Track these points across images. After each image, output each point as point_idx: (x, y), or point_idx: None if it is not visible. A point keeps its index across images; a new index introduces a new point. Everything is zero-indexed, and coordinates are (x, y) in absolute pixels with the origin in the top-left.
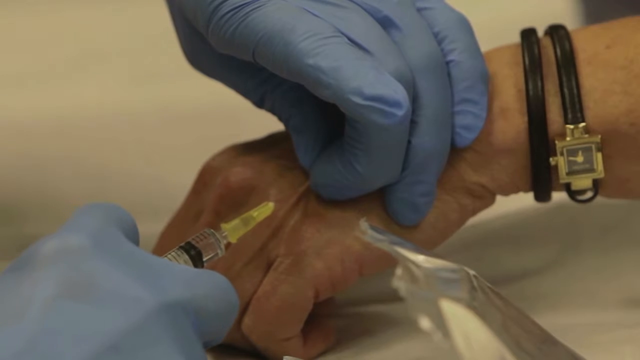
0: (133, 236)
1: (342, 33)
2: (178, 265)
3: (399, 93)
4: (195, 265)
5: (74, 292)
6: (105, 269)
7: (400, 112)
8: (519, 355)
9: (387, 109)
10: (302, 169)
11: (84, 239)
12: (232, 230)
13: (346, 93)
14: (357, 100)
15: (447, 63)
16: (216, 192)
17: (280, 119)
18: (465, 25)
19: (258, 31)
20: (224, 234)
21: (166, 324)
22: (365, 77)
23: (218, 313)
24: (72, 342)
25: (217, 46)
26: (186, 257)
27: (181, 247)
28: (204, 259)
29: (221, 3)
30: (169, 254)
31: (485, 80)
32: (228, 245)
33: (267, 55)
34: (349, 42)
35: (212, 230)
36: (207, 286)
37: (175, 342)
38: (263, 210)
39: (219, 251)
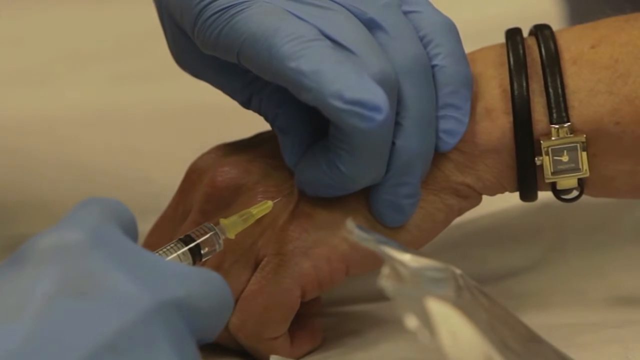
0: (132, 232)
1: (327, 35)
2: (174, 263)
3: (379, 97)
4: (194, 259)
5: (71, 289)
6: (103, 267)
7: (379, 117)
8: (505, 354)
9: (366, 113)
10: (289, 168)
11: (81, 235)
12: (231, 226)
13: (326, 97)
14: (337, 104)
15: (432, 67)
16: (203, 192)
17: (267, 119)
18: (451, 30)
19: (242, 34)
20: (222, 229)
21: (161, 322)
22: (345, 80)
23: (213, 311)
24: (69, 341)
25: (202, 48)
26: (185, 249)
27: (181, 240)
28: (202, 253)
29: (207, 5)
30: (169, 245)
31: (469, 85)
32: (225, 241)
33: (251, 58)
34: (331, 45)
35: (211, 224)
36: (203, 284)
37: (169, 341)
38: (262, 209)
39: (217, 246)
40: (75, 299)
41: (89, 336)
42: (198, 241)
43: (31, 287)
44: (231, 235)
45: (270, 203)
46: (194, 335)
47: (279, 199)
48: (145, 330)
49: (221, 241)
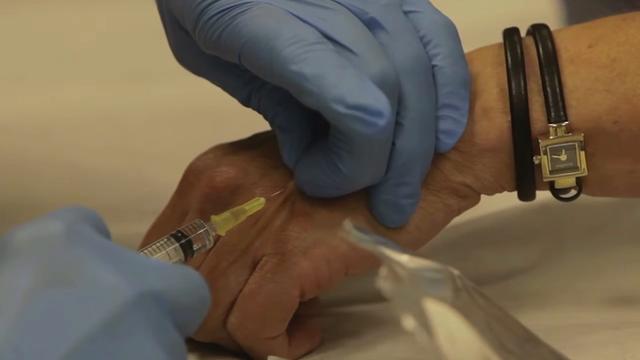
0: (105, 233)
1: (328, 35)
2: (152, 259)
3: (381, 102)
4: (185, 254)
5: (52, 281)
6: (83, 258)
7: (381, 122)
8: (502, 354)
9: (368, 118)
10: (287, 167)
11: (60, 228)
12: (222, 222)
13: (328, 101)
14: (339, 108)
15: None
16: (201, 192)
17: (266, 117)
18: (450, 30)
19: (243, 35)
20: (213, 226)
21: (143, 313)
22: (348, 85)
23: (191, 306)
24: (52, 334)
25: (204, 47)
26: (176, 245)
27: (172, 235)
28: (195, 249)
29: (208, 5)
30: (160, 240)
31: (467, 86)
32: (217, 238)
33: (252, 59)
34: (333, 48)
35: (202, 221)
36: (182, 280)
37: (152, 331)
38: (254, 205)
39: (207, 242)
40: (56, 290)
41: (72, 328)
42: (190, 237)
43: (11, 281)
44: (222, 232)
45: (262, 200)
46: (175, 328)
47: (274, 194)
48: (127, 321)
49: (211, 238)
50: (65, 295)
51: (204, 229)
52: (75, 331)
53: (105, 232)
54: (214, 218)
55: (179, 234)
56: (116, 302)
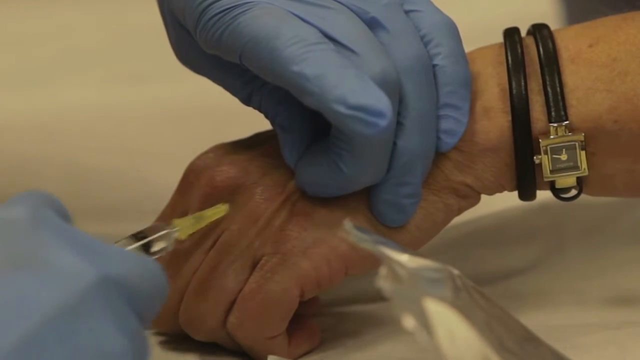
0: (67, 219)
1: (329, 34)
2: (113, 245)
3: (383, 102)
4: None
5: (15, 264)
6: (45, 242)
7: (383, 122)
8: (502, 354)
9: (370, 119)
10: (288, 167)
11: (23, 212)
12: (185, 226)
13: (330, 101)
14: (341, 109)
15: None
16: (201, 191)
17: (267, 116)
18: (451, 30)
19: (244, 35)
20: (175, 229)
21: (104, 297)
22: (349, 85)
23: (149, 293)
24: (14, 315)
25: (205, 47)
26: (136, 244)
27: (133, 235)
28: (153, 250)
29: (209, 5)
30: (120, 240)
31: (468, 85)
32: (181, 242)
33: (253, 59)
34: (334, 48)
35: (164, 224)
36: (140, 266)
37: (112, 316)
38: (216, 211)
39: (168, 245)
40: (18, 273)
41: (32, 310)
42: (150, 238)
43: None
44: (183, 236)
45: (225, 207)
46: (135, 315)
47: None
48: (88, 304)
49: (172, 240)
50: (27, 277)
51: (165, 231)
52: (35, 314)
53: (66, 217)
54: (176, 221)
55: (140, 235)
56: (78, 285)
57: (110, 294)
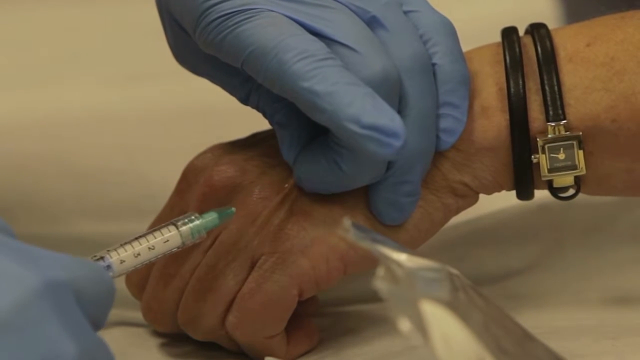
0: (8, 232)
1: (329, 34)
2: (55, 252)
3: (396, 122)
4: None
5: None
6: None
7: (397, 143)
8: (498, 356)
9: (384, 139)
10: (286, 166)
11: None
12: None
13: (342, 120)
14: (354, 128)
15: None
16: (200, 191)
17: (265, 115)
18: (448, 29)
19: (249, 44)
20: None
21: (51, 301)
22: (362, 104)
23: (97, 297)
24: None
25: (203, 48)
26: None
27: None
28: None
29: (210, 7)
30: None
31: (467, 84)
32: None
33: (258, 69)
34: (342, 65)
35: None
36: (85, 270)
37: (60, 320)
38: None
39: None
40: None
41: None
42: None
43: None
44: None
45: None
46: (86, 319)
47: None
48: (34, 309)
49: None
50: None
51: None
52: None
53: (7, 231)
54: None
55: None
56: (23, 289)
57: (57, 298)
